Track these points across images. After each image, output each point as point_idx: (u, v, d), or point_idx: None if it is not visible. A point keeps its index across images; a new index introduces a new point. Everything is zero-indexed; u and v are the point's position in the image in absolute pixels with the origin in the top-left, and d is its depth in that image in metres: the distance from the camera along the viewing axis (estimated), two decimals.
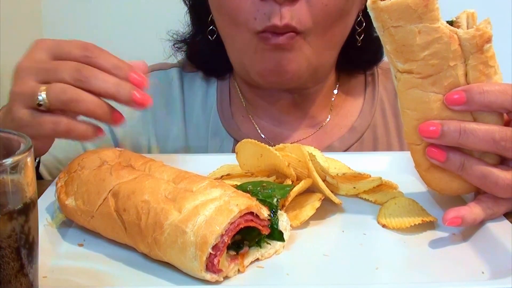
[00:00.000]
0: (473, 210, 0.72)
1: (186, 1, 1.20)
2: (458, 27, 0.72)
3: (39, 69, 0.79)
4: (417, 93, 0.72)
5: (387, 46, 0.72)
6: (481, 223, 0.73)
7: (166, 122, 1.21)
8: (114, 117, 0.79)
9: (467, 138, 0.71)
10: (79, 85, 0.77)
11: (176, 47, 1.23)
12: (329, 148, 1.15)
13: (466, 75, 0.72)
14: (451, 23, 0.72)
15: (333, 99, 1.20)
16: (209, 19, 1.13)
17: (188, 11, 1.20)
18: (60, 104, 0.77)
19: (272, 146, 0.83)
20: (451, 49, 0.70)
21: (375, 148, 1.17)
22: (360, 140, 1.17)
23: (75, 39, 0.82)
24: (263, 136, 1.17)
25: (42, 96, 0.77)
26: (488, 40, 0.70)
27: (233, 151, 0.85)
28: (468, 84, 0.72)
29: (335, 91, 1.21)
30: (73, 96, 0.76)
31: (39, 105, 0.77)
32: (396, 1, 0.69)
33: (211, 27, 1.14)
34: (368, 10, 0.71)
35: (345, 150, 1.15)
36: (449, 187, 0.77)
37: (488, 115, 0.72)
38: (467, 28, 0.72)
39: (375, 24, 0.72)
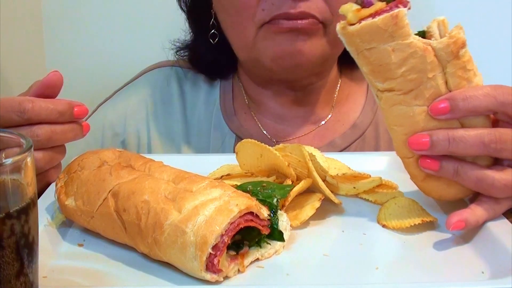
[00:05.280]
0: (475, 212, 0.72)
1: (183, 7, 1.20)
2: (431, 36, 0.71)
3: None
4: (401, 108, 0.72)
5: (363, 68, 0.72)
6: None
7: (165, 119, 1.21)
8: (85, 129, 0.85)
9: (457, 145, 0.70)
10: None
11: (179, 54, 1.24)
12: (330, 145, 1.15)
13: (446, 83, 0.71)
14: (423, 33, 0.72)
15: (335, 95, 1.20)
16: (211, 23, 1.14)
17: (186, 17, 1.21)
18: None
19: (274, 143, 0.83)
20: (427, 61, 0.69)
21: (377, 145, 1.17)
22: (362, 137, 1.17)
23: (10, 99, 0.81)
24: (265, 132, 1.17)
25: None
26: (463, 46, 0.70)
27: (235, 147, 0.85)
28: (450, 91, 0.71)
29: (337, 88, 1.21)
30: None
31: None
32: (366, 24, 0.68)
33: (212, 31, 1.14)
34: (338, 36, 0.71)
35: (347, 147, 1.16)
36: (448, 193, 0.77)
37: (475, 118, 0.72)
38: (440, 36, 0.71)
39: (348, 48, 0.72)
